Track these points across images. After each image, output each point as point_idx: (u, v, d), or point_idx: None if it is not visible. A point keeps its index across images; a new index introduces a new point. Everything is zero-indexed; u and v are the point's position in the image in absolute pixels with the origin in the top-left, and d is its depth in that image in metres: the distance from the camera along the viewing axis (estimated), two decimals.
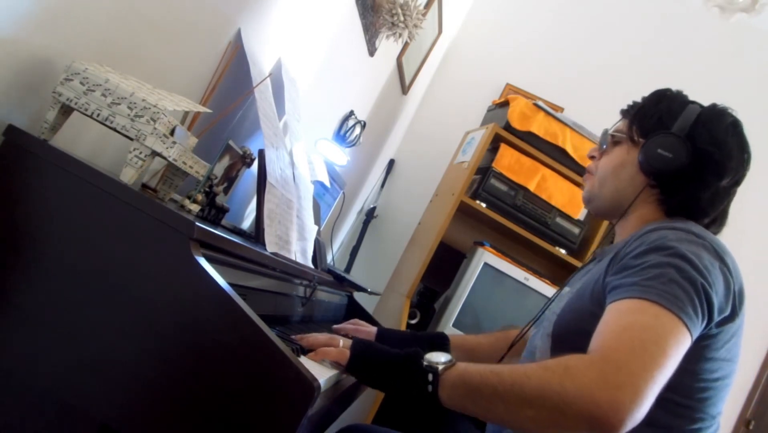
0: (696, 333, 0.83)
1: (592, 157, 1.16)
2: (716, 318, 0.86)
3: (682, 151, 0.99)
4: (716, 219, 1.05)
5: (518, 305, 2.30)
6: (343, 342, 0.98)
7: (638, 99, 1.12)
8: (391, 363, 0.91)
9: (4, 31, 0.78)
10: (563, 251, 2.46)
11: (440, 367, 0.85)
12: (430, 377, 0.85)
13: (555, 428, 0.77)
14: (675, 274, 0.83)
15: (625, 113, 1.13)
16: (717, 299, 0.85)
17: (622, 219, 1.09)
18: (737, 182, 1.04)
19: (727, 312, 0.88)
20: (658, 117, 1.05)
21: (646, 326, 0.79)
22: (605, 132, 1.13)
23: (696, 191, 1.01)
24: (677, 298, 0.81)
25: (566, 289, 1.11)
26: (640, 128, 1.06)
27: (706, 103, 1.07)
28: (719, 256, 0.90)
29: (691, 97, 1.08)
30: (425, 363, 0.87)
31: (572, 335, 0.87)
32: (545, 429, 0.79)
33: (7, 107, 0.83)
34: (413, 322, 2.39)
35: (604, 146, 1.13)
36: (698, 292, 0.83)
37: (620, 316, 0.82)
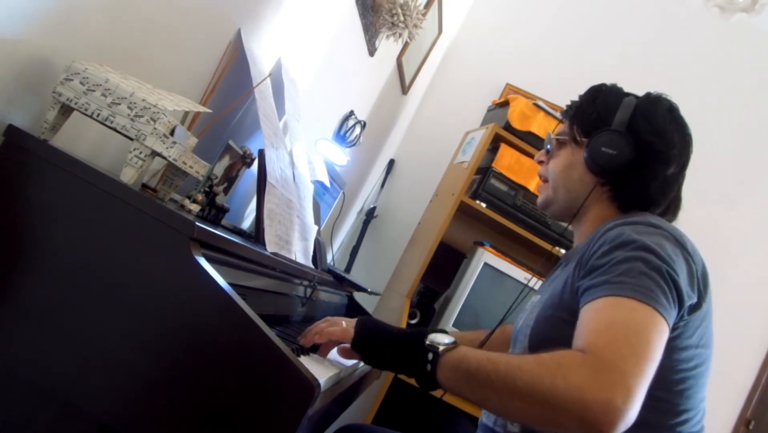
0: (671, 322, 0.83)
1: (540, 162, 1.17)
2: (686, 304, 0.87)
3: (625, 146, 1.01)
4: (669, 206, 1.07)
5: (518, 304, 2.29)
6: (346, 322, 0.99)
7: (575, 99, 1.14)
8: (394, 341, 0.92)
9: (4, 31, 0.78)
10: (563, 251, 2.46)
11: (441, 348, 0.86)
12: (430, 356, 0.86)
13: (544, 423, 0.77)
14: (642, 266, 0.84)
15: (565, 114, 1.14)
16: (684, 285, 0.86)
17: (578, 220, 1.11)
18: (683, 167, 1.06)
19: (695, 297, 0.89)
20: (596, 114, 1.07)
21: (627, 322, 0.79)
22: (549, 136, 1.14)
23: (645, 183, 1.03)
24: (649, 289, 0.82)
25: (536, 297, 1.11)
26: (581, 127, 1.08)
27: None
28: (679, 242, 0.91)
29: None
30: (427, 342, 0.87)
31: (549, 345, 0.88)
32: (534, 422, 0.80)
33: (7, 107, 0.83)
34: (413, 322, 2.39)
35: (549, 148, 1.15)
36: (666, 281, 0.84)
37: (599, 314, 0.83)
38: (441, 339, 0.88)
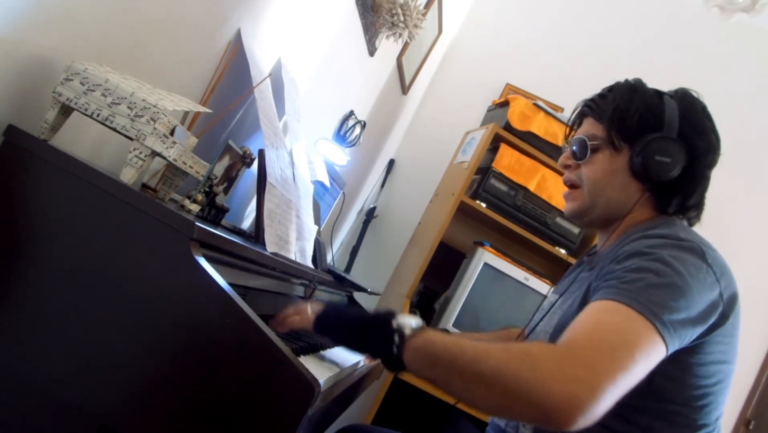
0: (673, 341, 0.79)
1: (566, 167, 1.09)
2: (705, 323, 0.83)
3: (679, 154, 0.96)
4: (700, 207, 1.03)
5: (518, 305, 2.30)
6: (311, 308, 0.98)
7: (595, 95, 1.06)
8: (356, 322, 0.92)
9: (4, 31, 0.78)
10: (563, 251, 2.46)
11: (407, 331, 0.84)
12: (397, 338, 0.84)
13: (505, 411, 0.75)
14: (654, 279, 0.81)
15: (592, 114, 1.05)
16: (701, 303, 0.82)
17: (610, 224, 1.05)
18: (714, 167, 1.02)
19: (715, 316, 0.85)
20: (638, 117, 0.99)
21: (616, 328, 0.76)
22: (581, 140, 1.04)
23: (692, 188, 0.99)
24: (653, 304, 0.78)
25: (555, 298, 1.08)
26: (621, 133, 1.00)
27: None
28: (705, 258, 0.86)
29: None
30: (394, 325, 0.85)
31: None
32: (495, 410, 0.78)
33: (7, 107, 0.83)
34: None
35: (577, 152, 1.05)
36: (675, 298, 0.80)
37: (593, 315, 0.80)
38: (409, 322, 0.86)
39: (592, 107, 1.06)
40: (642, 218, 1.02)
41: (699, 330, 0.83)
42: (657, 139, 0.96)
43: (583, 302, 0.93)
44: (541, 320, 1.10)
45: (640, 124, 0.99)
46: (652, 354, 0.77)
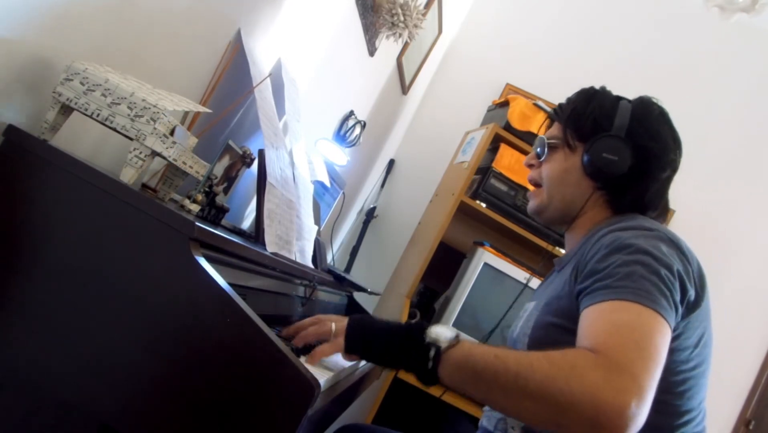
0: (672, 320, 0.84)
1: (530, 166, 1.15)
2: (685, 304, 0.88)
3: (626, 152, 1.01)
4: (661, 209, 1.07)
5: (518, 305, 2.29)
6: (335, 325, 0.91)
7: (565, 101, 1.13)
8: (390, 335, 0.87)
9: (4, 31, 0.78)
10: (563, 251, 2.46)
11: (443, 345, 0.81)
12: (432, 353, 0.81)
13: (553, 424, 0.75)
14: (642, 270, 0.84)
15: (556, 117, 1.13)
16: (681, 285, 0.87)
17: (571, 224, 1.10)
18: (675, 171, 1.06)
19: (692, 296, 0.89)
20: (592, 119, 1.05)
21: (634, 325, 0.79)
22: (541, 139, 1.12)
23: (643, 187, 1.03)
24: (650, 293, 0.82)
25: (531, 304, 1.11)
26: (576, 132, 1.07)
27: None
28: (674, 243, 0.91)
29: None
30: (428, 339, 0.83)
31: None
32: (542, 423, 0.77)
33: (7, 107, 0.83)
34: (413, 322, 2.39)
35: (539, 151, 1.12)
36: (665, 283, 0.84)
37: (605, 316, 0.82)
38: (443, 334, 0.83)
39: (557, 111, 1.14)
40: (600, 217, 1.07)
41: (682, 310, 0.88)
42: (604, 137, 1.02)
43: (560, 301, 0.95)
44: (506, 314, 1.13)
45: (594, 125, 1.05)
46: (665, 337, 0.81)
